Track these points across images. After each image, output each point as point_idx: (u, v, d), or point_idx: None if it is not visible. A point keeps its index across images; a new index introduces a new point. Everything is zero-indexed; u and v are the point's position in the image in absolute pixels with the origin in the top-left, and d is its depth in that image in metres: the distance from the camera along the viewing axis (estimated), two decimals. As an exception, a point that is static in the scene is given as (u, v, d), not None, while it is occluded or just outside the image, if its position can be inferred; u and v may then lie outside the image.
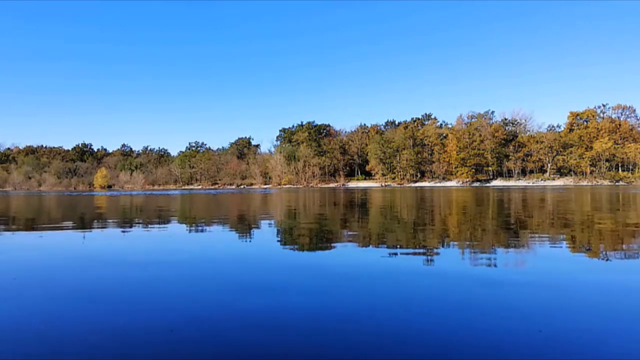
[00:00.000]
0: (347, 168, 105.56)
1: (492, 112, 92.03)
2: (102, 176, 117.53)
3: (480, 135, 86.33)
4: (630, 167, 77.58)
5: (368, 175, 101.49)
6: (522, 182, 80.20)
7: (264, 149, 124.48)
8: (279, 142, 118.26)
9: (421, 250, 4.92)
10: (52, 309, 2.74)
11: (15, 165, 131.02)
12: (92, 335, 2.26)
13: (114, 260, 4.56)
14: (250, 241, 6.08)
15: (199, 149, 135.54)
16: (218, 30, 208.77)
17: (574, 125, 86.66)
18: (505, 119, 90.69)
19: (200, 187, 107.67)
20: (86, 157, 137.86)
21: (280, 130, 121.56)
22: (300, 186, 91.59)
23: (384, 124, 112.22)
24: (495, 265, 4.02)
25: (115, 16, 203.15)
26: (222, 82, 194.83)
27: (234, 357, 1.99)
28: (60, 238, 6.68)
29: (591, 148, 78.41)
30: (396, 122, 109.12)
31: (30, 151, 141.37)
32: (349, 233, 6.79)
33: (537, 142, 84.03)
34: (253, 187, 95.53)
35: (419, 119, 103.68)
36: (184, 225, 8.56)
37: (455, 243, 5.53)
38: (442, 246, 5.26)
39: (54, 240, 6.41)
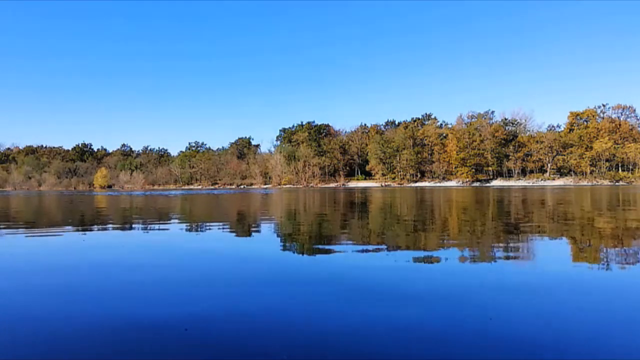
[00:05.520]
0: (347, 168, 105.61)
1: (492, 112, 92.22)
2: (102, 176, 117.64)
3: (480, 135, 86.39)
4: (630, 167, 77.64)
5: (368, 175, 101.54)
6: (522, 182, 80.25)
7: (264, 149, 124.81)
8: (279, 142, 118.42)
9: (421, 251, 4.92)
10: (74, 309, 2.74)
11: (15, 165, 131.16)
12: (97, 332, 2.26)
13: (119, 262, 4.56)
14: (250, 243, 6.07)
15: (199, 149, 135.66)
16: (218, 29, 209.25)
17: (574, 125, 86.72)
18: (505, 119, 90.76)
19: (200, 187, 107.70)
20: (86, 157, 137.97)
21: (280, 130, 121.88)
22: (300, 186, 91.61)
23: (384, 123, 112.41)
24: (494, 265, 4.01)
25: (115, 15, 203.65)
26: (222, 82, 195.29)
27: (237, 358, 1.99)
28: (64, 239, 6.67)
29: (591, 148, 78.47)
30: (396, 122, 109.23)
31: (30, 151, 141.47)
32: (349, 234, 6.79)
33: (537, 142, 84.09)
34: (253, 187, 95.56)
35: (419, 118, 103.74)
36: (184, 228, 8.56)
37: (456, 244, 5.53)
38: (442, 247, 5.27)
39: (56, 242, 6.41)
